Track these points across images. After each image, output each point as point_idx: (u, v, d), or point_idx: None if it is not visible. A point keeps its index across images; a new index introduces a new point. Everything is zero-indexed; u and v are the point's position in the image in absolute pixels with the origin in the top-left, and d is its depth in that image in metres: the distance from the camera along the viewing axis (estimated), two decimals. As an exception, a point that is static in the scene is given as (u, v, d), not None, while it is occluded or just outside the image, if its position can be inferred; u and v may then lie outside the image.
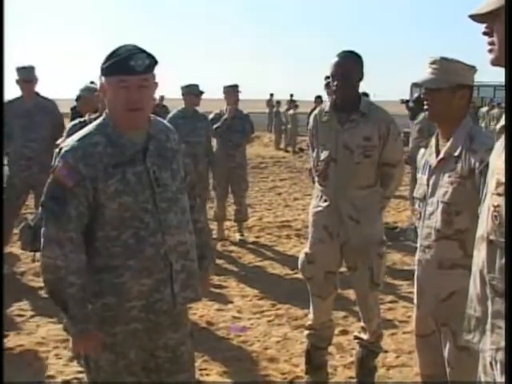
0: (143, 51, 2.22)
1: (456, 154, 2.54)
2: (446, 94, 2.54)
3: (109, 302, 2.26)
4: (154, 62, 2.24)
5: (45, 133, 5.84)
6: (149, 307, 2.28)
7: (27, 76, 5.94)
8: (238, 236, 7.46)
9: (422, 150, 2.81)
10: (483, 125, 19.43)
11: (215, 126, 7.10)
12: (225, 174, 7.27)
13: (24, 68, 5.94)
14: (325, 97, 6.73)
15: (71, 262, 2.19)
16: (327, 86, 6.63)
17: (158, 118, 2.46)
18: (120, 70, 2.19)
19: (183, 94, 6.69)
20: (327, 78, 6.66)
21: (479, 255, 1.59)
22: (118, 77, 2.20)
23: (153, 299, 2.29)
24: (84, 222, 2.23)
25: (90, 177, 2.20)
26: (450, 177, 2.54)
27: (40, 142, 5.82)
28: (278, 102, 23.28)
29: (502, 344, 1.50)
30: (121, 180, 2.22)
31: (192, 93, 6.64)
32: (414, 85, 3.92)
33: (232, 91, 7.25)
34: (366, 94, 8.21)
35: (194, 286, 2.41)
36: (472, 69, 2.58)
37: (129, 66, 2.17)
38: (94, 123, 2.34)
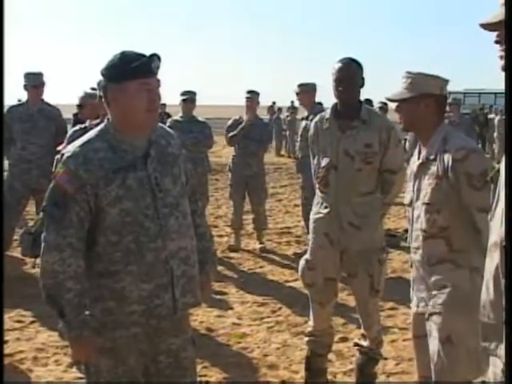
0: (155, 54, 2.24)
1: (432, 157, 2.64)
2: (410, 104, 2.67)
3: (109, 306, 2.27)
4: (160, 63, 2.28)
5: (47, 138, 5.88)
6: (149, 312, 2.29)
7: (35, 82, 5.98)
8: (257, 245, 7.36)
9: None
10: (495, 134, 18.02)
11: (231, 134, 7.13)
12: (242, 182, 7.26)
13: (32, 74, 6.00)
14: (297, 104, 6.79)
15: (69, 267, 2.20)
16: (298, 94, 6.69)
17: (159, 124, 2.47)
18: (144, 73, 2.21)
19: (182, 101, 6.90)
20: (300, 85, 6.66)
21: (492, 262, 1.60)
22: (140, 80, 2.20)
23: (153, 304, 2.28)
24: (85, 228, 2.24)
25: (90, 183, 2.21)
26: (428, 179, 2.64)
27: (41, 147, 5.86)
28: (280, 109, 23.28)
29: None
30: (121, 185, 2.23)
31: (188, 99, 6.85)
32: (388, 100, 4.07)
33: (252, 98, 7.19)
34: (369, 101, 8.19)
35: (193, 291, 2.41)
36: (438, 78, 2.68)
37: (151, 68, 2.22)
38: (96, 129, 2.35)
